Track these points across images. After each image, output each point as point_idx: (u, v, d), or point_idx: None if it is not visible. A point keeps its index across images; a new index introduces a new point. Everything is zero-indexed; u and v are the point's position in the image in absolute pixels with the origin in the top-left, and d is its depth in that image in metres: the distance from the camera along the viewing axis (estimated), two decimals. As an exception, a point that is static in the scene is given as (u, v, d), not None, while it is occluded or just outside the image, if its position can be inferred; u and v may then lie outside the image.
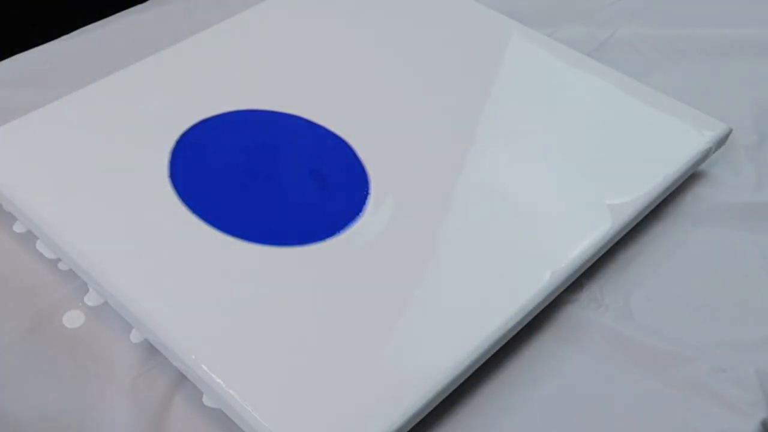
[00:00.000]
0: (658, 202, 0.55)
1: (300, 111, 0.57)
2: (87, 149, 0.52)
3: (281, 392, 0.42)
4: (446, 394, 0.44)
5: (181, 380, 0.46)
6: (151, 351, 0.47)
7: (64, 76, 0.62)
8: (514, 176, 0.54)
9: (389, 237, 0.50)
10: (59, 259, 0.50)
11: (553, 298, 0.49)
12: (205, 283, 0.46)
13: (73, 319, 0.48)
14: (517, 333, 0.48)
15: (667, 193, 0.56)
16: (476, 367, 0.45)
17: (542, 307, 0.48)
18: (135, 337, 0.47)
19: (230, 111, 0.56)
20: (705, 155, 0.57)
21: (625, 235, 0.54)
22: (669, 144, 0.57)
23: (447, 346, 0.45)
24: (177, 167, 0.52)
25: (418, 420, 0.43)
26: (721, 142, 0.59)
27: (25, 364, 0.46)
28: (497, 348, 0.46)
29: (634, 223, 0.54)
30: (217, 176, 0.52)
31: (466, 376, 0.45)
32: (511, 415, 0.46)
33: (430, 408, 0.43)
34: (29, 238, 0.51)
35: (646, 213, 0.54)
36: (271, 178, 0.52)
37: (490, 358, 0.46)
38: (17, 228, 0.52)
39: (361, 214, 0.51)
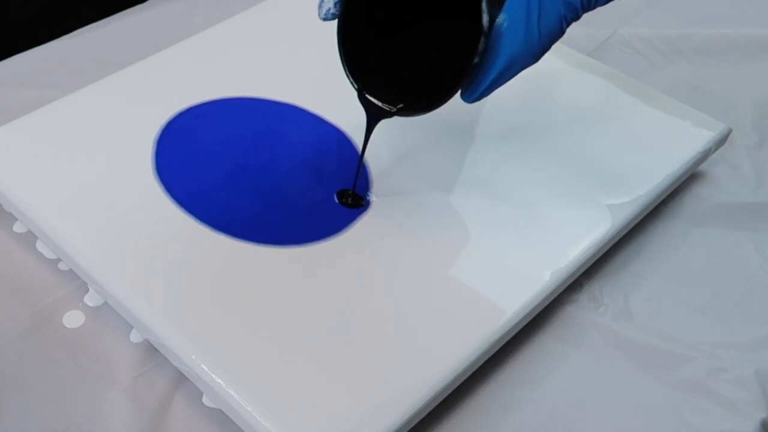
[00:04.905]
0: (658, 202, 0.55)
1: (300, 105, 0.57)
2: (87, 149, 0.52)
3: (281, 392, 0.42)
4: (446, 394, 0.44)
5: (181, 380, 0.46)
6: (151, 351, 0.47)
7: (64, 76, 0.62)
8: (514, 176, 0.54)
9: (389, 237, 0.50)
10: (59, 259, 0.50)
11: (553, 298, 0.49)
12: (205, 284, 0.46)
13: (73, 319, 0.48)
14: (517, 333, 0.48)
15: (667, 193, 0.56)
16: (476, 367, 0.45)
17: (542, 307, 0.48)
18: (135, 337, 0.47)
19: (220, 98, 0.56)
20: (705, 155, 0.57)
21: (625, 235, 0.54)
22: (669, 144, 0.57)
23: (447, 346, 0.45)
24: (163, 161, 0.52)
25: (418, 420, 0.43)
26: (721, 142, 0.59)
27: (25, 364, 0.46)
28: (497, 348, 0.46)
29: (634, 223, 0.54)
30: (211, 172, 0.52)
31: (466, 377, 0.45)
32: (511, 415, 0.46)
33: (430, 408, 0.43)
34: (29, 238, 0.51)
35: (646, 213, 0.54)
36: (269, 173, 0.52)
37: (490, 358, 0.46)
38: (17, 228, 0.52)
39: (361, 213, 0.51)
